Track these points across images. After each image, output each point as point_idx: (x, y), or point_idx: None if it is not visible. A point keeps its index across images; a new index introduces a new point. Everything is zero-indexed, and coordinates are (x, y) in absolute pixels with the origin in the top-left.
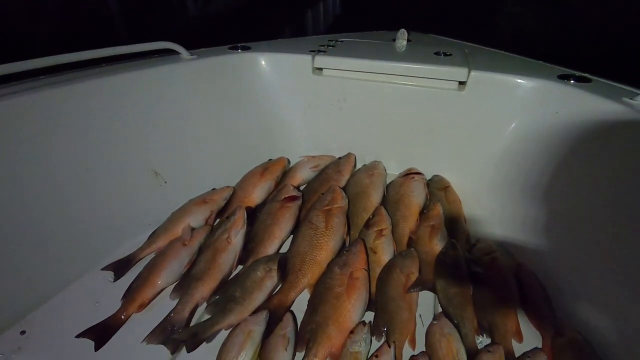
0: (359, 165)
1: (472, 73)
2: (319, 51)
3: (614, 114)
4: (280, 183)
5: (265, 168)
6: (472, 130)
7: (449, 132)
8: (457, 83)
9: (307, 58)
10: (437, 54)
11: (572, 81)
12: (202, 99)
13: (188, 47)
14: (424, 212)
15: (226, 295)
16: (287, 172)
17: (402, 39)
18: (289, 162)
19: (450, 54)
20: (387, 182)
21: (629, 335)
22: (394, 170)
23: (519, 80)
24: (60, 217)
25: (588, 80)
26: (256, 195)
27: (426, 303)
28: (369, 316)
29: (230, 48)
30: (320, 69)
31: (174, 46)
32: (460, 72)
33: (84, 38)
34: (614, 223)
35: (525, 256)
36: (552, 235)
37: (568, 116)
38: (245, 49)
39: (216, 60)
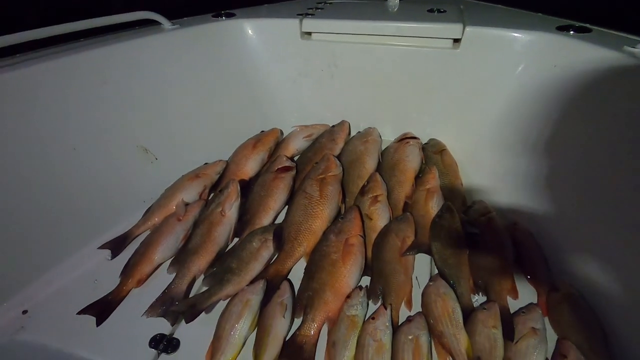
0: (353, 133)
1: (467, 29)
2: (307, 14)
3: (615, 63)
4: (273, 154)
5: (257, 140)
6: (468, 90)
7: (445, 93)
8: (452, 41)
9: (295, 22)
10: (430, 11)
11: (571, 32)
12: (187, 71)
13: (169, 17)
14: (419, 177)
15: (223, 266)
16: (280, 143)
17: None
18: (282, 133)
19: (444, 11)
20: (383, 149)
21: (622, 289)
22: (389, 136)
23: (515, 34)
24: (50, 197)
25: (588, 31)
26: (249, 167)
27: (423, 266)
28: (366, 281)
29: (213, 16)
30: (309, 33)
31: (154, 16)
32: (454, 29)
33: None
34: (615, 179)
35: (522, 216)
36: (550, 195)
37: (568, 69)
38: (230, 15)
39: (199, 29)
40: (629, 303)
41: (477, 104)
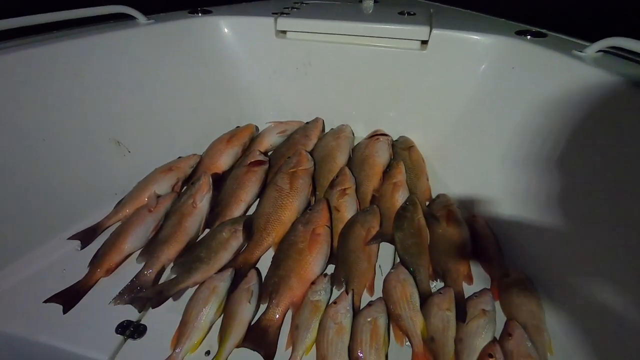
0: (327, 130)
1: (434, 32)
2: (282, 13)
3: (564, 66)
4: (248, 149)
5: (232, 135)
6: (435, 89)
7: (413, 92)
8: (420, 42)
9: (270, 21)
10: (401, 13)
11: (528, 37)
12: (163, 66)
13: (144, 12)
14: (387, 171)
15: (192, 255)
16: (254, 138)
17: (368, 2)
18: (257, 129)
19: (414, 14)
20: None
21: (564, 275)
22: (361, 134)
23: (477, 37)
24: (19, 187)
25: (544, 36)
26: (223, 161)
27: (387, 255)
28: (332, 270)
29: (189, 12)
30: (284, 31)
31: (129, 10)
32: (421, 31)
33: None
34: (562, 169)
35: (481, 208)
36: (505, 188)
37: (523, 71)
38: (206, 12)
39: (175, 25)
40: (568, 287)
41: (442, 103)
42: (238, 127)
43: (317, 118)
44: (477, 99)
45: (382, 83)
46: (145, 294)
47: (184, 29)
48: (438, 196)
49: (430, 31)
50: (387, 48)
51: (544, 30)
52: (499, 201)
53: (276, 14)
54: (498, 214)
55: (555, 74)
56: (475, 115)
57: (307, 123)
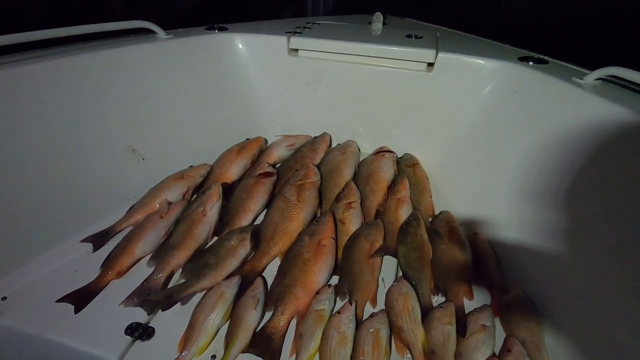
0: (334, 145)
1: (440, 55)
2: (295, 32)
3: (562, 92)
4: (256, 161)
5: (242, 147)
6: (440, 109)
7: (419, 111)
8: (426, 64)
9: (283, 39)
10: (408, 36)
11: (530, 63)
12: (179, 79)
13: (164, 28)
14: (392, 187)
15: (201, 261)
16: (263, 150)
17: (377, 22)
18: (266, 141)
19: (421, 37)
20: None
21: (566, 293)
22: (367, 150)
23: (482, 62)
24: (36, 190)
25: (545, 62)
26: (232, 172)
27: (389, 268)
28: (336, 280)
29: (207, 29)
30: (296, 50)
31: (150, 25)
32: (428, 54)
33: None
34: (562, 194)
35: (483, 227)
36: (507, 208)
37: (525, 96)
38: (222, 29)
39: (193, 41)
40: (568, 308)
41: (447, 122)
42: (248, 139)
43: (324, 133)
44: (480, 121)
45: (389, 102)
46: (155, 297)
47: (201, 44)
48: (441, 213)
49: (437, 54)
50: (394, 69)
51: (545, 57)
52: (501, 221)
53: (289, 33)
54: (499, 233)
55: (555, 100)
56: (478, 136)
57: (315, 137)
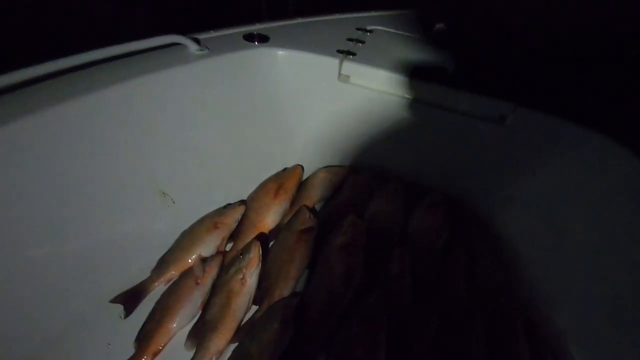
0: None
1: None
2: (349, 53)
3: None
4: (295, 200)
5: (279, 185)
6: (514, 162)
7: (486, 164)
8: (498, 116)
9: (334, 62)
10: (477, 68)
11: None
12: (213, 102)
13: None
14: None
15: (242, 349)
16: (302, 187)
17: (438, 35)
18: (303, 169)
19: (494, 68)
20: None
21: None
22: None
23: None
24: (66, 241)
25: None
26: (270, 219)
27: None
28: None
29: (245, 37)
30: (348, 76)
31: (181, 39)
32: (500, 107)
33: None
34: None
35: None
36: None
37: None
38: (263, 39)
39: (230, 58)
40: None
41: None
42: (285, 168)
43: (368, 173)
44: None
45: (449, 148)
46: None
47: (238, 60)
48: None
49: (515, 108)
50: (457, 115)
51: None
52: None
53: (341, 52)
54: None
55: None
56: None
57: (358, 175)
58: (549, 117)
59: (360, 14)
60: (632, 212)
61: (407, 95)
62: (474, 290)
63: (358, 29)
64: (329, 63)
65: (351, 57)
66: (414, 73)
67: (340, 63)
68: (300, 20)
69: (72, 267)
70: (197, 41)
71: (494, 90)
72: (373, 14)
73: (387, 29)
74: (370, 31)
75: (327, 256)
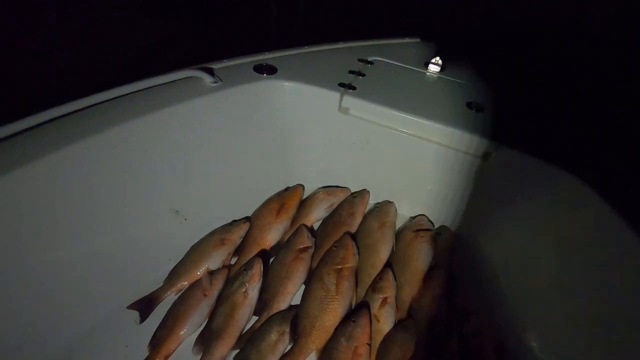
0: (372, 200)
1: (500, 149)
2: (349, 87)
3: None
4: (295, 219)
5: (281, 205)
6: (494, 196)
7: (468, 192)
8: (483, 153)
9: (335, 96)
10: (469, 106)
11: None
12: (223, 129)
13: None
14: (428, 275)
15: (243, 355)
16: (301, 207)
17: (434, 68)
18: (303, 189)
19: (482, 107)
20: (398, 226)
21: None
22: (405, 211)
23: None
24: (93, 252)
25: None
26: (272, 237)
27: None
28: None
29: (255, 68)
30: (348, 108)
31: (196, 73)
32: (485, 145)
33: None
34: None
35: None
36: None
37: None
38: (271, 70)
39: (241, 89)
40: None
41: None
42: (287, 188)
43: (364, 192)
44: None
45: (436, 178)
46: None
47: (250, 92)
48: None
49: (497, 147)
50: (447, 148)
51: None
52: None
53: (342, 86)
54: None
55: None
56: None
57: (354, 196)
58: (527, 157)
59: (363, 43)
60: (594, 247)
61: (400, 128)
62: (452, 311)
63: (360, 60)
64: (331, 96)
65: (351, 91)
66: (407, 108)
67: (341, 97)
68: (307, 49)
69: (97, 274)
70: (211, 72)
71: (482, 129)
72: (376, 42)
73: (387, 60)
74: (371, 62)
75: (322, 274)
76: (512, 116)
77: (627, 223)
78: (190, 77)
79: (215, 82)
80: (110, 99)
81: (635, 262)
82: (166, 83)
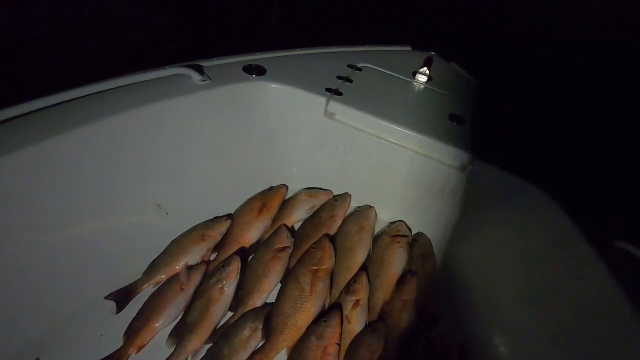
0: (354, 203)
1: (476, 162)
2: (336, 92)
3: None
4: (276, 219)
5: (263, 204)
6: (468, 206)
7: (445, 201)
8: (460, 164)
9: (322, 100)
10: (451, 118)
11: None
12: (209, 127)
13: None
14: (401, 281)
15: (215, 349)
16: (283, 207)
17: (421, 78)
18: (287, 189)
19: (464, 120)
20: (376, 230)
21: None
22: (385, 216)
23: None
24: (73, 243)
25: None
26: (252, 235)
27: None
28: None
29: (244, 69)
30: (333, 113)
31: (185, 71)
32: (463, 157)
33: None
34: None
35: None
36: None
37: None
38: (260, 71)
39: (228, 89)
40: None
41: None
42: (271, 187)
43: (345, 195)
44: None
45: (416, 184)
46: None
47: (236, 91)
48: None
49: (472, 160)
50: (425, 157)
51: None
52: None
53: (329, 91)
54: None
55: None
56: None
57: (335, 200)
58: (500, 171)
59: (355, 48)
60: (555, 258)
61: (383, 136)
62: (422, 315)
63: (349, 65)
64: (317, 100)
65: (337, 96)
66: (391, 117)
67: (327, 101)
68: (298, 51)
69: (76, 263)
70: (201, 70)
71: (461, 141)
72: (367, 48)
73: (376, 67)
74: (360, 69)
75: (297, 274)
76: (490, 130)
77: (585, 236)
78: (179, 74)
79: (204, 81)
80: (98, 92)
81: (593, 270)
82: (154, 79)
